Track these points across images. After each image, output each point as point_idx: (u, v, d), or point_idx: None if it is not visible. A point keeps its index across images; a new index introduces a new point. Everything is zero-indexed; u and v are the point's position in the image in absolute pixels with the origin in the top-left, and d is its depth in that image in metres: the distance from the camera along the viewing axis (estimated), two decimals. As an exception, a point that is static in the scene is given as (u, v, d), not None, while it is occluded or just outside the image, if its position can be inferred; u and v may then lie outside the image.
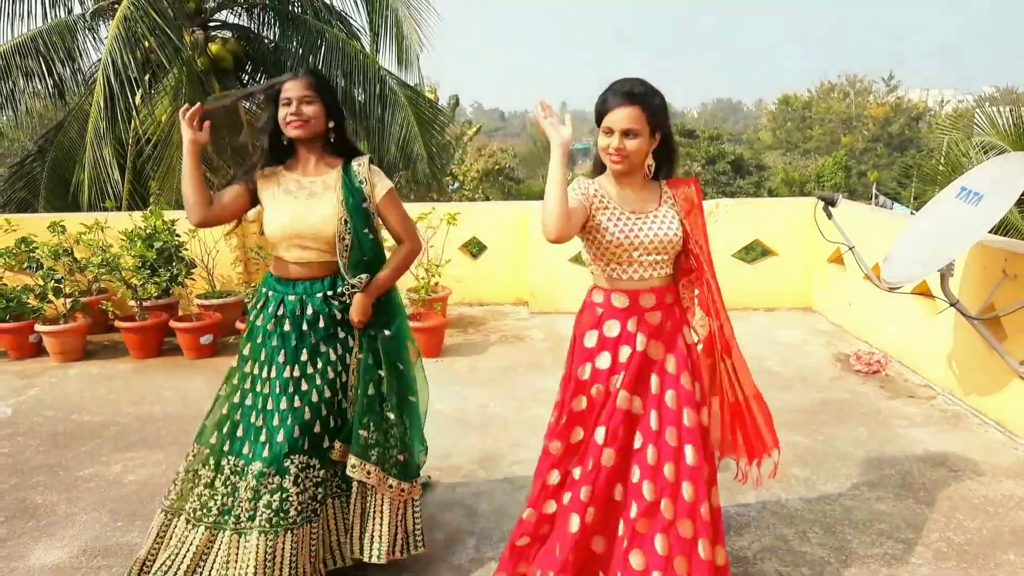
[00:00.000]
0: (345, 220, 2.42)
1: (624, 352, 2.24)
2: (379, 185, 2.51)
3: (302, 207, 2.43)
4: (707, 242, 2.31)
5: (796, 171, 34.62)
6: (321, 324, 2.48)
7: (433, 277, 5.42)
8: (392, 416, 2.56)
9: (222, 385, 2.63)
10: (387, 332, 2.56)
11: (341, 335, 2.52)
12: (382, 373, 2.54)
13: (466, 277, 6.47)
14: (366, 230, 2.47)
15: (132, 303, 5.44)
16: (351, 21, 9.57)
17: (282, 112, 2.40)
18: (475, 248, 6.84)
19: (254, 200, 2.53)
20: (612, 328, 2.26)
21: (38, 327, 5.32)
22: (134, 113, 7.66)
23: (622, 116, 2.13)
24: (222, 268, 5.91)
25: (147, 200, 8.20)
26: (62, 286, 5.45)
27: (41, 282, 5.39)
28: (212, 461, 2.52)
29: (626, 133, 2.14)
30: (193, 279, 5.64)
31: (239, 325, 5.23)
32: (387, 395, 2.55)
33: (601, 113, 2.18)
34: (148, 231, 5.41)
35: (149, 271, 5.32)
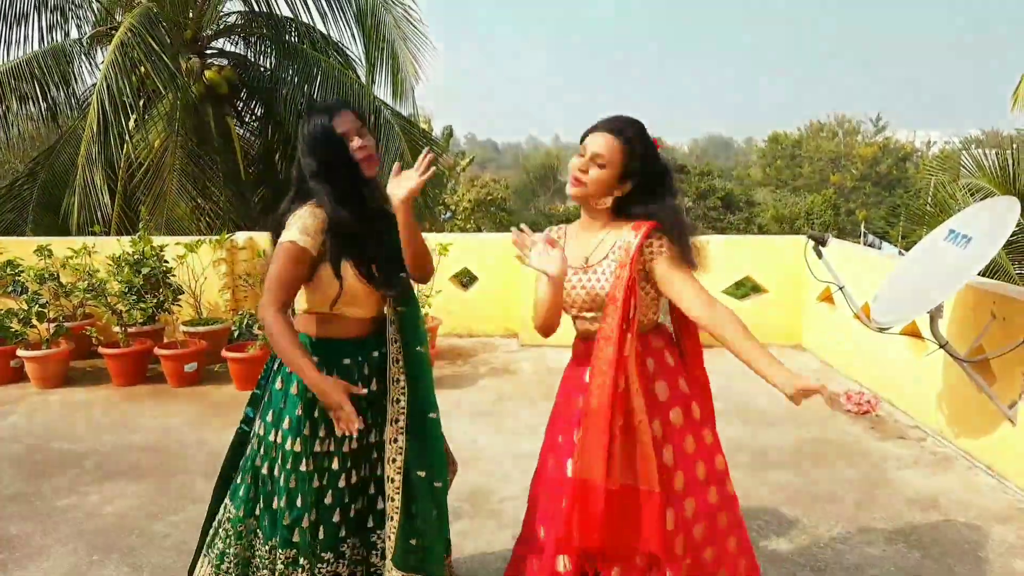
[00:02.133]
0: None
1: (580, 402, 2.08)
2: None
3: None
4: (625, 298, 1.96)
5: (786, 208, 34.96)
6: (375, 387, 2.23)
7: (423, 308, 5.39)
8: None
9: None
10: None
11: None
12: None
13: (456, 308, 6.44)
14: None
15: (117, 329, 5.37)
16: (347, 52, 9.66)
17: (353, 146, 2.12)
18: (466, 279, 6.82)
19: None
20: (577, 373, 2.16)
21: (20, 352, 5.24)
22: (127, 138, 7.66)
23: (598, 140, 2.00)
24: (209, 295, 5.87)
25: (136, 225, 8.17)
26: (46, 311, 5.39)
27: (25, 306, 5.33)
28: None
29: (594, 158, 2.00)
30: (180, 305, 5.59)
31: (225, 354, 5.16)
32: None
33: (583, 138, 2.06)
34: (136, 256, 5.37)
35: (135, 297, 5.27)
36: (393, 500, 2.17)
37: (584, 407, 2.02)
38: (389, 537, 2.16)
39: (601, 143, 2.00)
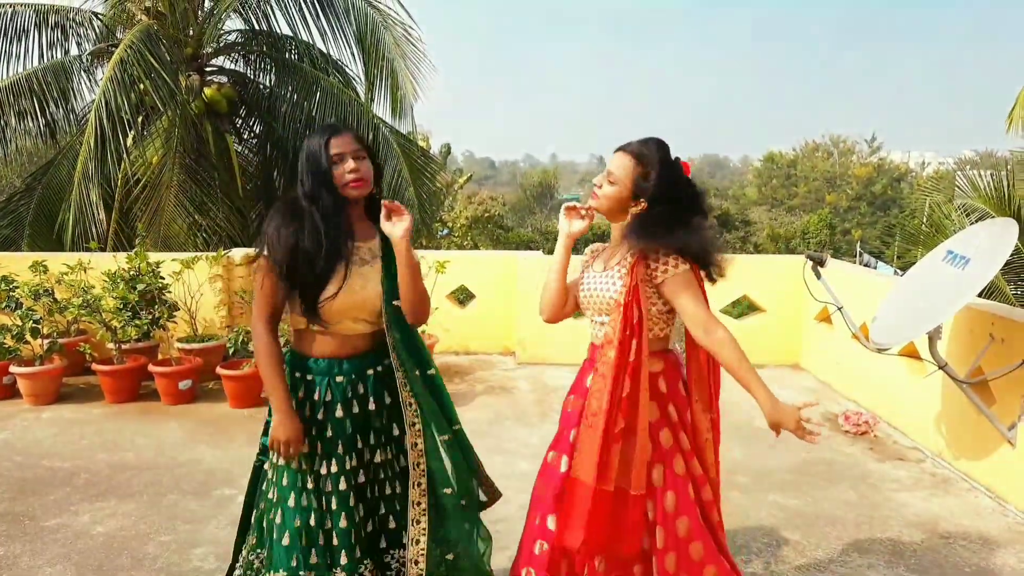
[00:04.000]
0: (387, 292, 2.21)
1: (576, 404, 2.23)
2: None
3: (359, 277, 2.17)
4: (627, 304, 2.07)
5: (782, 227, 35.07)
6: (372, 407, 2.25)
7: (419, 327, 5.36)
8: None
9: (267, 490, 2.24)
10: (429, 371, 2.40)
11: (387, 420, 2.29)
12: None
13: (453, 326, 6.42)
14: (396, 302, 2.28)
15: (111, 345, 5.33)
16: (347, 70, 9.68)
17: (337, 171, 2.11)
18: (463, 296, 6.80)
19: None
20: (584, 378, 2.27)
21: (13, 368, 5.20)
22: (125, 154, 7.66)
23: (615, 159, 2.16)
24: (205, 311, 5.84)
25: (133, 241, 8.14)
26: (40, 327, 5.35)
27: (19, 322, 5.29)
28: None
29: (608, 174, 2.17)
30: (175, 322, 5.55)
31: (219, 371, 5.12)
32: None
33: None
34: (132, 273, 5.34)
35: (130, 313, 5.24)
36: (419, 523, 2.17)
37: (584, 409, 2.13)
38: (416, 561, 2.15)
39: (617, 162, 2.15)
